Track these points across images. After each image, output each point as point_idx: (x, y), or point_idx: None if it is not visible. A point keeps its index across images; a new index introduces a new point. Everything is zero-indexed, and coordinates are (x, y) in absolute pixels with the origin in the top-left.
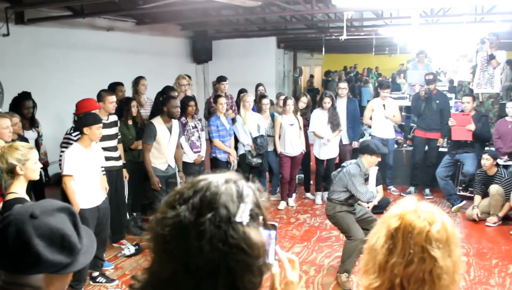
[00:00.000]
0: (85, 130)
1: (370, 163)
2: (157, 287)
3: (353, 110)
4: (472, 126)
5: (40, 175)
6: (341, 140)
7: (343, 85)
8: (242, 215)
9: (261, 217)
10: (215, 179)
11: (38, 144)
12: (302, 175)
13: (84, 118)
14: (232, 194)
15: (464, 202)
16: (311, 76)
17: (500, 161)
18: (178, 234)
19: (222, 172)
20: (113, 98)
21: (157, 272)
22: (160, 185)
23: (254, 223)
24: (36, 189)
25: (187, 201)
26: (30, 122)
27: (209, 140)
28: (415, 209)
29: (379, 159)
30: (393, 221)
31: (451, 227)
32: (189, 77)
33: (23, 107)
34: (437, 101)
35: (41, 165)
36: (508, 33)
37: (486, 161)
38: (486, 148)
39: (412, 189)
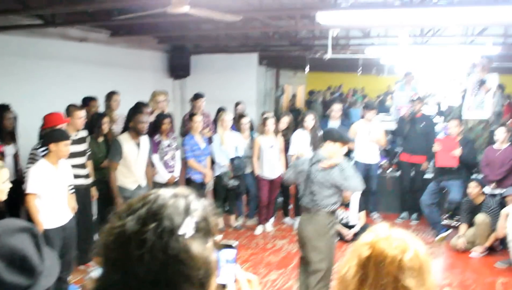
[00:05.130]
0: (52, 146)
1: (332, 152)
2: None
3: None
4: (457, 151)
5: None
6: None
7: (337, 107)
8: (186, 228)
9: (210, 233)
10: (165, 193)
11: (16, 159)
12: (281, 199)
13: (50, 134)
14: (179, 207)
15: (449, 231)
16: (293, 96)
17: (486, 190)
18: (120, 243)
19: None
20: (81, 114)
21: (103, 281)
22: None
23: (200, 237)
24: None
25: (134, 212)
26: (11, 135)
27: (185, 160)
28: (387, 237)
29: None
30: (364, 250)
31: (424, 254)
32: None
33: (4, 119)
34: (422, 124)
35: (10, 185)
36: (500, 56)
37: (472, 189)
38: (473, 176)
39: (405, 214)
